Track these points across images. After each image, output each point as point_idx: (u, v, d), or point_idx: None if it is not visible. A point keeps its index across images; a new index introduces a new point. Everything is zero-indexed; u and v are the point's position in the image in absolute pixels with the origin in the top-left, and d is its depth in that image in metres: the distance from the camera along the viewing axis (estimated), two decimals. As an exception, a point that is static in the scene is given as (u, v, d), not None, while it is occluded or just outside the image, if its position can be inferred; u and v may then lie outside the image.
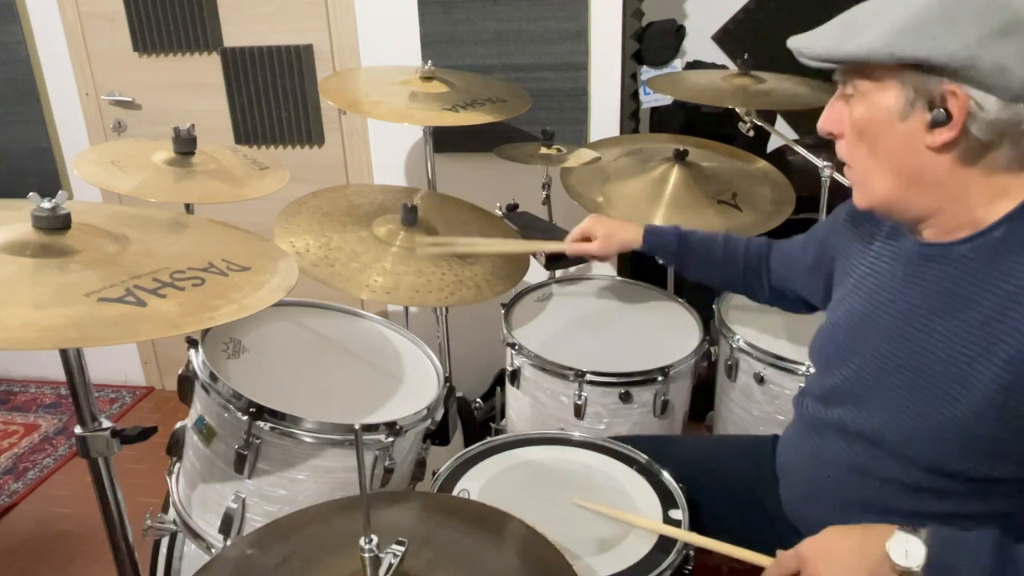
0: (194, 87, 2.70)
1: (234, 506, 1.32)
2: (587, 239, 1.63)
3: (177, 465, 1.49)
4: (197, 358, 1.36)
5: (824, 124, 1.07)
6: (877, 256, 1.15)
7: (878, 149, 1.01)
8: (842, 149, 1.07)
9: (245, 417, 1.25)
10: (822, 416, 1.16)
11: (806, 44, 1.02)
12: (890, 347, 1.06)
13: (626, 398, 1.63)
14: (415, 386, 1.47)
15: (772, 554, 1.06)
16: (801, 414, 1.24)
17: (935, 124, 0.94)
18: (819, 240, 1.34)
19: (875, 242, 1.16)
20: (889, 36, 0.92)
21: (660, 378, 1.63)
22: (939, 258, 1.03)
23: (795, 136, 2.66)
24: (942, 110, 0.93)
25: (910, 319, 1.04)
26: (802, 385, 1.58)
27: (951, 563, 0.90)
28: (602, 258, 1.67)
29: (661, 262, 1.63)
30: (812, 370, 1.50)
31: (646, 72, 2.56)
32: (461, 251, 1.69)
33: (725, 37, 2.70)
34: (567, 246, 1.66)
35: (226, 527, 1.32)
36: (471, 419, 2.04)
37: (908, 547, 0.91)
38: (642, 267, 2.45)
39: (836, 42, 0.98)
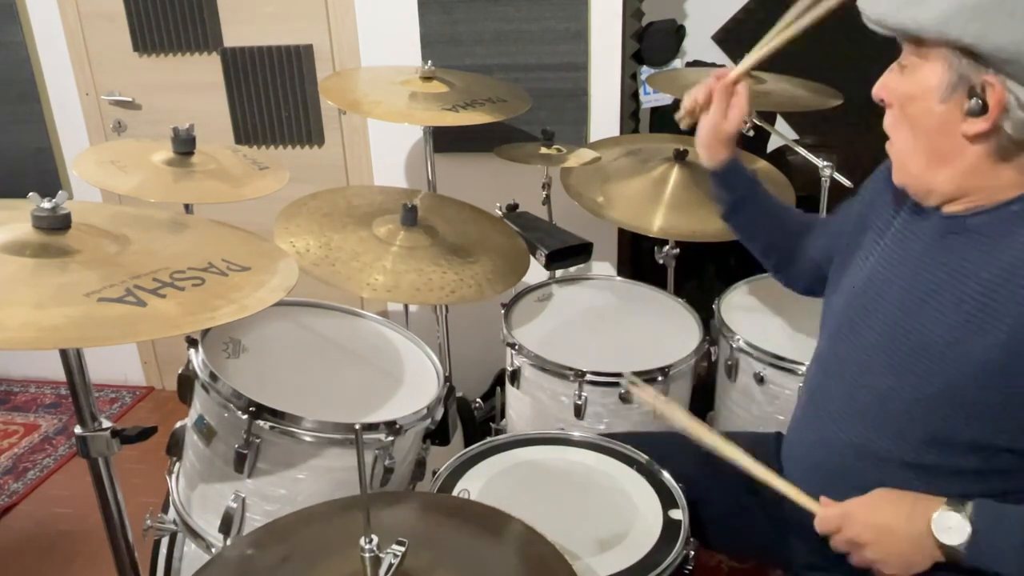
0: (194, 87, 2.70)
1: (234, 506, 1.32)
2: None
3: (177, 465, 1.49)
4: (197, 358, 1.36)
5: (877, 90, 1.06)
6: (903, 227, 1.14)
7: (917, 127, 1.01)
8: (888, 119, 1.06)
9: (245, 416, 1.25)
10: (829, 391, 1.16)
11: (867, 3, 1.00)
12: (901, 314, 1.06)
13: (626, 398, 1.63)
14: (415, 386, 1.47)
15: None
16: (807, 400, 1.24)
17: (970, 113, 0.94)
18: (864, 203, 1.29)
19: (902, 213, 1.16)
20: (945, 14, 0.91)
21: (660, 378, 1.63)
22: (956, 229, 1.04)
23: (795, 136, 2.65)
24: (979, 100, 0.93)
25: (923, 288, 1.05)
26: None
27: (994, 542, 0.91)
28: None
29: (724, 197, 1.52)
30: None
31: (646, 72, 2.56)
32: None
33: (725, 37, 2.69)
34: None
35: (226, 527, 1.32)
36: (471, 419, 2.03)
37: (952, 524, 0.92)
38: (642, 267, 2.45)
39: (895, 9, 0.96)
